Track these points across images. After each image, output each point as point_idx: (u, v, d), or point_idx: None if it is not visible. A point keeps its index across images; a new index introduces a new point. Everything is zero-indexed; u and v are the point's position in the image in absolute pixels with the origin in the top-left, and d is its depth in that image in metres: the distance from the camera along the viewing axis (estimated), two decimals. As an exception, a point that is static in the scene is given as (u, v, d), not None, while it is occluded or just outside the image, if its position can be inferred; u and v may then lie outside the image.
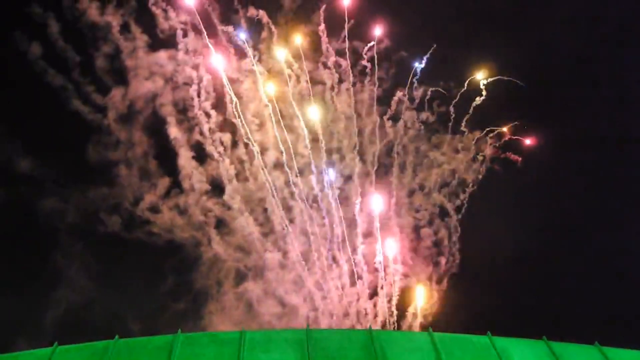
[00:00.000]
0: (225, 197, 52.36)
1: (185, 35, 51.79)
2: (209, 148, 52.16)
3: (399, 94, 54.98)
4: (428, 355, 23.73)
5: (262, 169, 52.70)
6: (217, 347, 22.61)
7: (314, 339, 23.34)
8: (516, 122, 54.56)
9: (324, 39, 54.42)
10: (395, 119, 55.15)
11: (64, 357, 21.69)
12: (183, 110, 52.31)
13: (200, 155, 52.42)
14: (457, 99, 54.92)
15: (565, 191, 54.28)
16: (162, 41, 52.03)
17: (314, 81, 54.50)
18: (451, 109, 55.06)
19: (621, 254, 51.30)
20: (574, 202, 54.06)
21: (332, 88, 54.46)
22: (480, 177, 55.27)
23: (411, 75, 54.90)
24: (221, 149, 52.33)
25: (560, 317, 47.23)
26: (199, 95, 52.05)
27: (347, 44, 54.38)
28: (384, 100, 55.05)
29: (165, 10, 51.17)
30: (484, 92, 54.59)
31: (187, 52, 52.00)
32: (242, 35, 52.48)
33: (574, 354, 24.47)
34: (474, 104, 54.89)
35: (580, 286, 50.05)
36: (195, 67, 52.22)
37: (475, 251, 52.99)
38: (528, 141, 54.53)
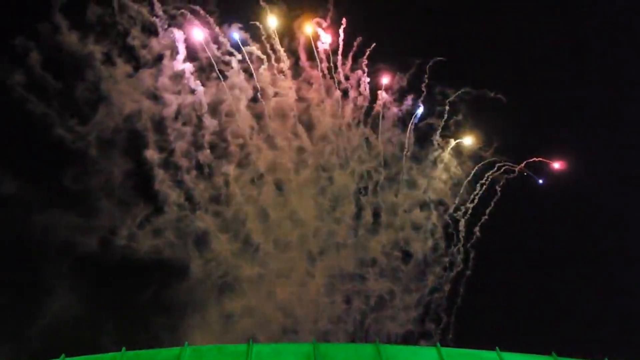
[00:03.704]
0: (205, 216, 52.48)
1: (167, 59, 51.88)
2: (189, 169, 52.29)
3: (381, 110, 54.99)
4: (436, 371, 23.59)
5: (240, 188, 52.87)
6: (224, 359, 22.41)
7: (322, 353, 23.15)
8: (495, 145, 54.57)
9: (303, 58, 54.60)
10: (379, 134, 55.30)
11: (72, 369, 21.50)
12: (164, 134, 52.20)
13: (181, 176, 52.47)
14: (435, 114, 54.90)
15: (559, 207, 54.46)
16: (144, 67, 52.01)
17: (301, 99, 54.91)
18: (432, 125, 55.15)
19: (630, 266, 51.57)
20: (571, 217, 54.16)
21: (318, 104, 54.71)
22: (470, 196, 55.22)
23: (391, 93, 54.98)
24: (204, 169, 52.58)
25: (570, 332, 47.26)
26: (176, 118, 52.09)
27: (320, 64, 54.59)
28: (367, 118, 55.26)
29: (145, 44, 51.34)
30: (463, 109, 54.63)
31: (169, 77, 52.06)
32: (235, 35, 52.00)
33: (583, 369, 24.42)
34: (454, 119, 54.91)
35: (587, 300, 50.24)
36: (178, 91, 52.40)
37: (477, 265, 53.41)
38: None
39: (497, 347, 24.57)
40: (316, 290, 53.33)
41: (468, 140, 54.78)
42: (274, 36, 52.51)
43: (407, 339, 51.69)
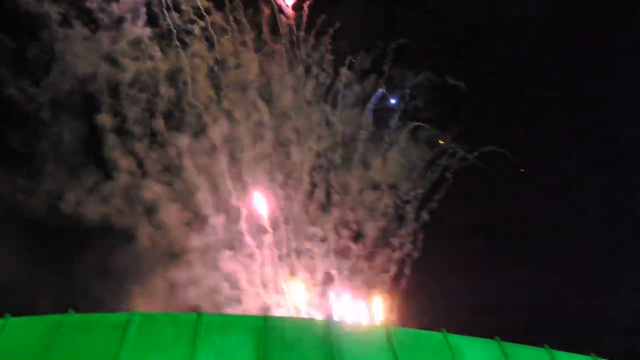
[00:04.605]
0: (155, 185, 52.00)
1: (126, 24, 50.71)
2: (142, 137, 51.57)
3: (341, 90, 55.06)
4: (382, 348, 23.90)
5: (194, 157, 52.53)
6: (173, 327, 22.22)
7: (272, 327, 23.19)
8: (452, 132, 55.42)
9: (266, 31, 54.18)
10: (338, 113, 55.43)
11: (17, 329, 20.97)
12: (119, 99, 51.25)
13: (133, 143, 51.67)
14: (396, 97, 55.32)
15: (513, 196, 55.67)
16: (101, 30, 50.73)
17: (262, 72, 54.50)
18: (392, 107, 55.58)
19: (571, 255, 53.26)
20: (522, 205, 55.48)
21: (280, 79, 54.47)
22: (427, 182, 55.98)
23: (353, 73, 55.08)
24: (157, 138, 51.86)
25: (513, 318, 48.54)
26: (132, 85, 51.18)
27: (283, 38, 54.29)
28: (328, 96, 55.26)
29: (104, 8, 49.95)
30: (423, 94, 55.20)
31: (127, 42, 50.96)
32: None
33: (524, 355, 25.17)
34: (414, 103, 55.48)
35: (531, 287, 51.74)
36: (135, 57, 51.41)
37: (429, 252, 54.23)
38: None
39: (443, 329, 25.04)
40: (263, 262, 53.48)
41: (425, 126, 55.44)
42: None
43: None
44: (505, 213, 54.23)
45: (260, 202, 54.02)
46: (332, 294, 53.66)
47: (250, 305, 51.11)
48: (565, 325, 47.32)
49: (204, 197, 52.64)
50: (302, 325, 24.42)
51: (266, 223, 53.87)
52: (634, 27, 54.17)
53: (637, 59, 55.08)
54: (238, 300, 51.29)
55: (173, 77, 51.91)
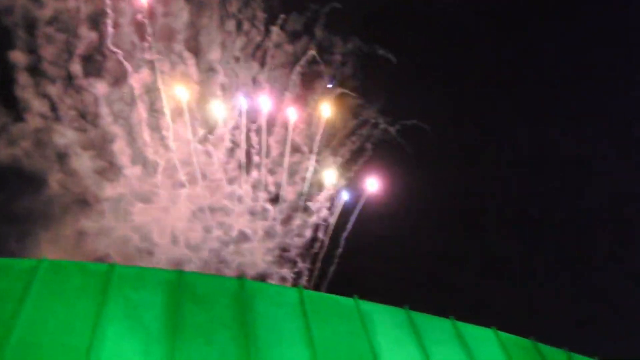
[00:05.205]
0: (69, 131, 50.48)
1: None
2: (58, 79, 49.72)
3: (271, 48, 54.73)
4: (294, 310, 24.19)
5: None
6: (83, 277, 21.54)
7: (186, 282, 22.96)
8: (377, 103, 56.15)
9: None
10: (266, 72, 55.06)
11: None
12: (35, 37, 49.01)
13: (48, 85, 49.73)
14: (325, 61, 55.49)
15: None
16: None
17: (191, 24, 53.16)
18: (320, 72, 55.73)
19: (485, 230, 55.45)
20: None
21: (209, 32, 53.54)
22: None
23: (285, 33, 54.74)
24: (73, 82, 50.12)
25: (421, 290, 50.19)
26: (51, 23, 49.09)
27: None
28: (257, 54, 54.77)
29: None
30: (352, 62, 55.53)
31: None
32: None
33: (429, 323, 26.16)
34: (342, 70, 55.80)
35: (443, 260, 53.55)
36: None
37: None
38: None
39: (355, 295, 25.62)
40: (177, 217, 53.06)
41: (352, 94, 55.79)
42: None
43: (263, 278, 52.90)
44: (424, 185, 55.75)
45: (178, 156, 53.27)
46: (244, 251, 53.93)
47: (161, 259, 50.84)
48: (474, 301, 49.49)
49: (119, 147, 51.48)
50: (216, 282, 24.27)
51: (183, 177, 53.27)
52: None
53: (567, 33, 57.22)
54: (149, 253, 50.91)
55: (95, 20, 50.05)
